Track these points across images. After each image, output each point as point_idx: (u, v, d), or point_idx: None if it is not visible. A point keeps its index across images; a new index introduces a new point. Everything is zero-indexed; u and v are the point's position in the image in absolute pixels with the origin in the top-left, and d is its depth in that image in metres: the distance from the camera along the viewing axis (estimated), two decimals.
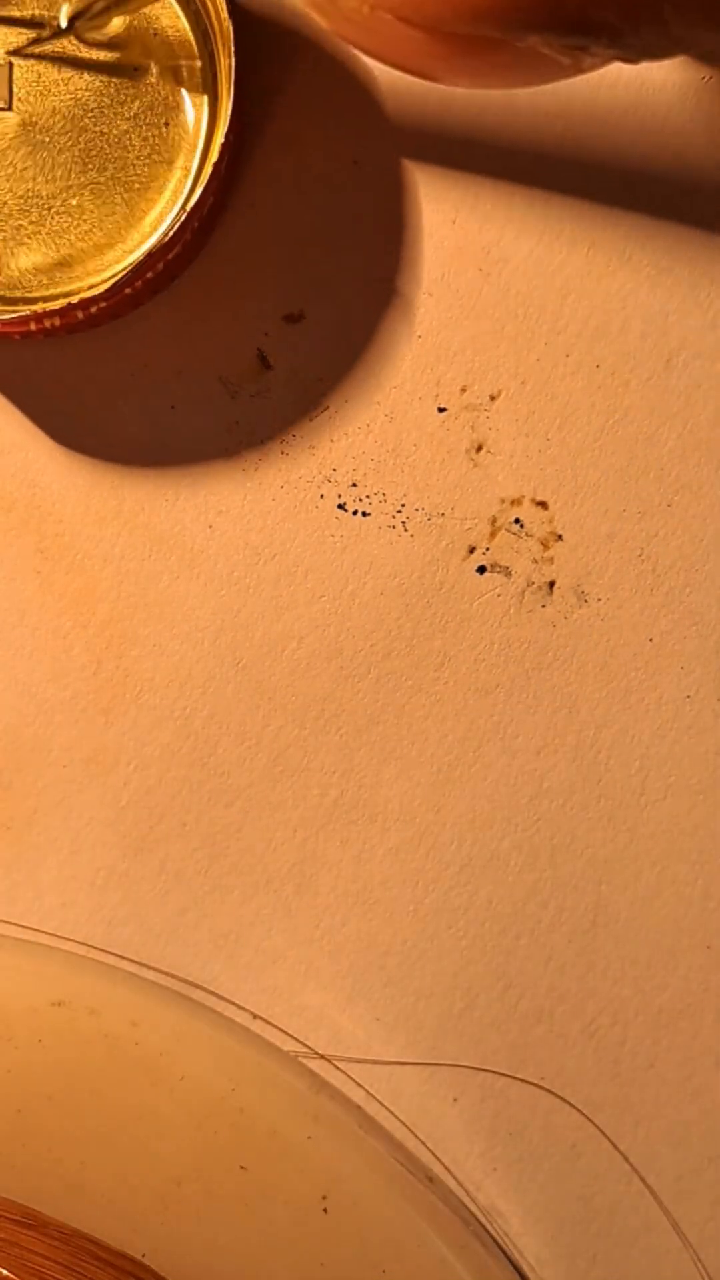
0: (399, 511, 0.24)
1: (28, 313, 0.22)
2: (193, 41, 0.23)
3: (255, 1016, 0.24)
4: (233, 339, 0.24)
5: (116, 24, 0.22)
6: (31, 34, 0.22)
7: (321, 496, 0.24)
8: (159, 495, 0.24)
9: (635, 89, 0.23)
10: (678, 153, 0.23)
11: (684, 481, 0.24)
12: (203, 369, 0.24)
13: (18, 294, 0.23)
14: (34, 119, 0.23)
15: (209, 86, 0.23)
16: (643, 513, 0.24)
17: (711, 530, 0.24)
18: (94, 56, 0.23)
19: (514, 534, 0.24)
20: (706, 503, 0.24)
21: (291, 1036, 0.24)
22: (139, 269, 0.22)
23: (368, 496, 0.24)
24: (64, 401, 0.24)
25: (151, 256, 0.22)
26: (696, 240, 0.24)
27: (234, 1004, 0.24)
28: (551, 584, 0.24)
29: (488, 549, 0.24)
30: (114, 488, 0.24)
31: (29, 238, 0.23)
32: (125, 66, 0.23)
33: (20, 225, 0.23)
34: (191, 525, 0.24)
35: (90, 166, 0.23)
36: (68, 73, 0.23)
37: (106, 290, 0.22)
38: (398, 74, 0.21)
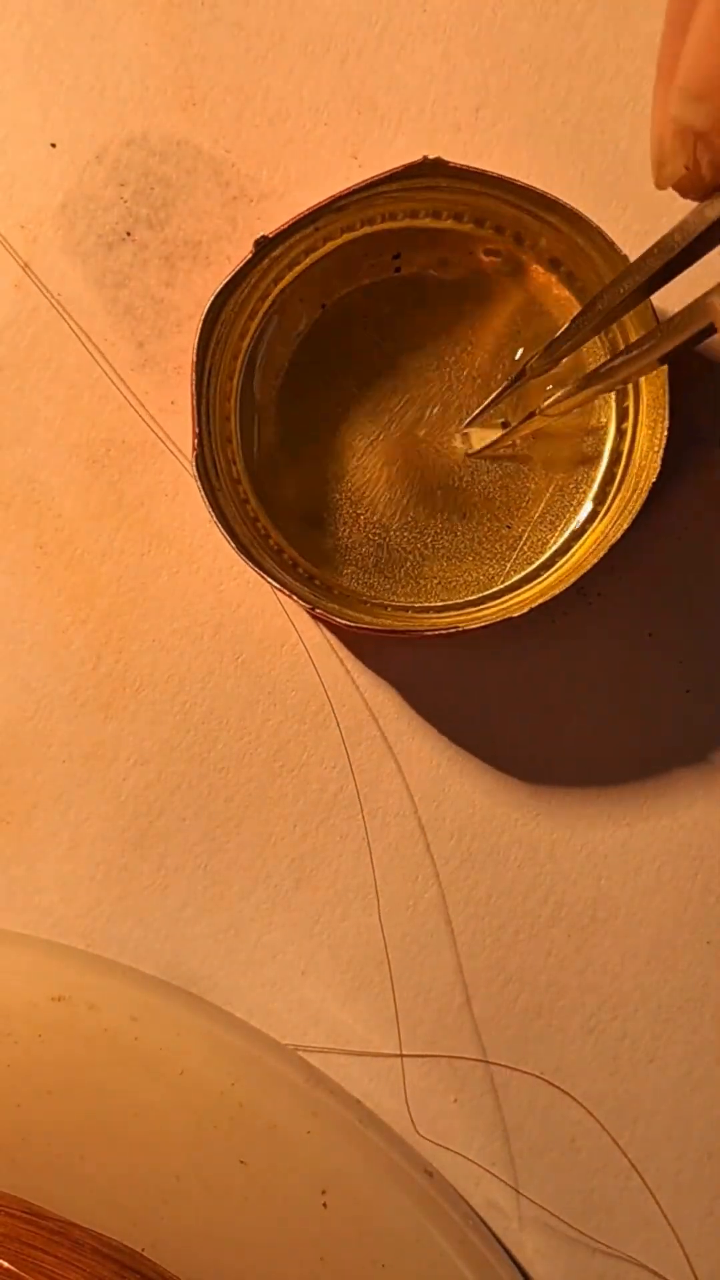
0: None
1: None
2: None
3: (254, 1011, 0.24)
4: None
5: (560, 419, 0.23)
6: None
7: None
8: (158, 490, 0.24)
9: None
10: None
11: None
12: None
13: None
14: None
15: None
16: None
17: None
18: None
19: None
20: None
21: (291, 1031, 0.24)
22: None
23: None
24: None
25: None
26: None
27: (233, 998, 0.24)
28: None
29: None
30: (113, 483, 0.24)
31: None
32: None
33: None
34: (191, 520, 0.24)
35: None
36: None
37: None
38: None
